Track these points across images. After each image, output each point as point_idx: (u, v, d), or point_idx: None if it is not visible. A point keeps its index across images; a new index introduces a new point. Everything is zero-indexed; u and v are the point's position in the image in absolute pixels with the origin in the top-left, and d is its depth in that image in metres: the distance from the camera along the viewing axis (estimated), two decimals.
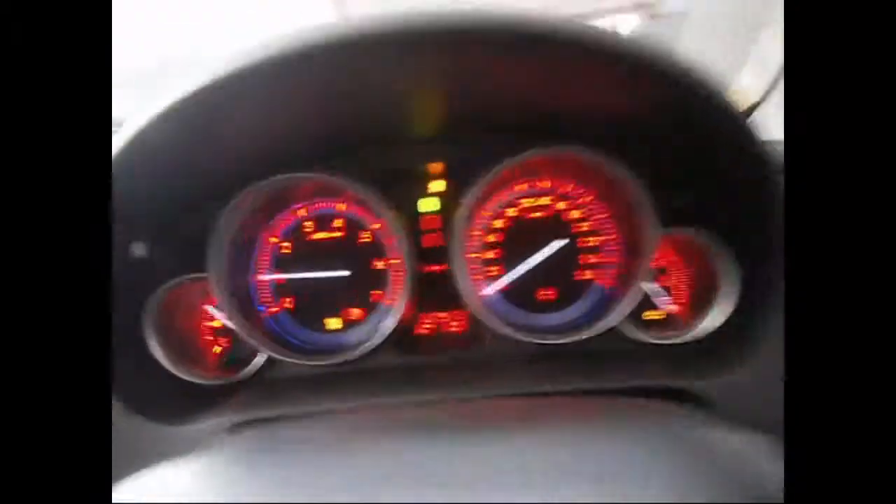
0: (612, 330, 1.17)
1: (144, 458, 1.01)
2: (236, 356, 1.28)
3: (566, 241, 1.26)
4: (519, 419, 0.61)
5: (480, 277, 1.30)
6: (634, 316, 1.20)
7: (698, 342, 1.19)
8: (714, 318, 1.17)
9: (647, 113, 0.99)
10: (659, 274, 1.27)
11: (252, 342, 1.18)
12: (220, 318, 1.31)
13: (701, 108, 0.85)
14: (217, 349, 1.32)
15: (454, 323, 1.32)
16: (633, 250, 1.21)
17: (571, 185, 1.29)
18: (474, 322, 1.25)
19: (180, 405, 1.11)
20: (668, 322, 1.28)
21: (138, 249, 1.09)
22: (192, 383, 1.20)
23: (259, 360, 1.24)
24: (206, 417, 1.05)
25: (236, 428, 1.01)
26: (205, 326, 1.32)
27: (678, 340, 1.20)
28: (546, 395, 1.02)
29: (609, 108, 1.04)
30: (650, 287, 1.25)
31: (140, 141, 0.86)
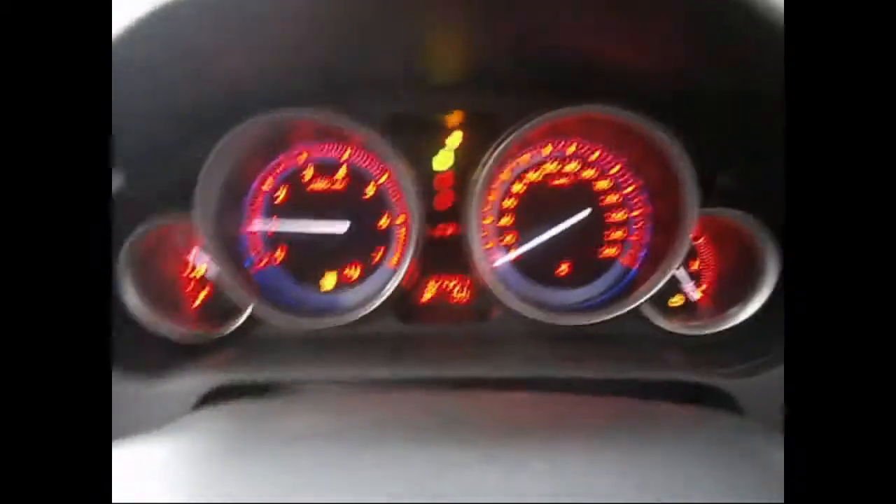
0: (631, 314, 1.07)
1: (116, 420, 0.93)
2: (219, 310, 1.16)
3: (591, 212, 1.14)
4: (537, 423, 0.51)
5: (493, 245, 1.19)
6: (658, 301, 1.10)
7: (725, 334, 1.09)
8: (746, 309, 1.08)
9: (702, 64, 0.87)
10: (688, 258, 1.16)
11: (237, 296, 1.07)
12: (203, 267, 1.19)
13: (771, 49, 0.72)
14: (198, 300, 1.21)
15: (461, 293, 1.22)
16: (664, 229, 1.10)
17: (599, 152, 1.17)
18: (482, 293, 1.14)
19: (154, 360, 1.00)
20: (693, 310, 1.18)
21: (114, 180, 0.96)
22: (167, 340, 1.09)
23: (243, 316, 1.12)
24: (181, 376, 0.94)
25: (217, 397, 0.90)
26: (186, 274, 1.20)
27: (704, 331, 1.10)
28: (559, 383, 0.92)
29: (659, 61, 0.91)
30: (678, 271, 1.13)
31: (126, 51, 0.73)
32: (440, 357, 1.01)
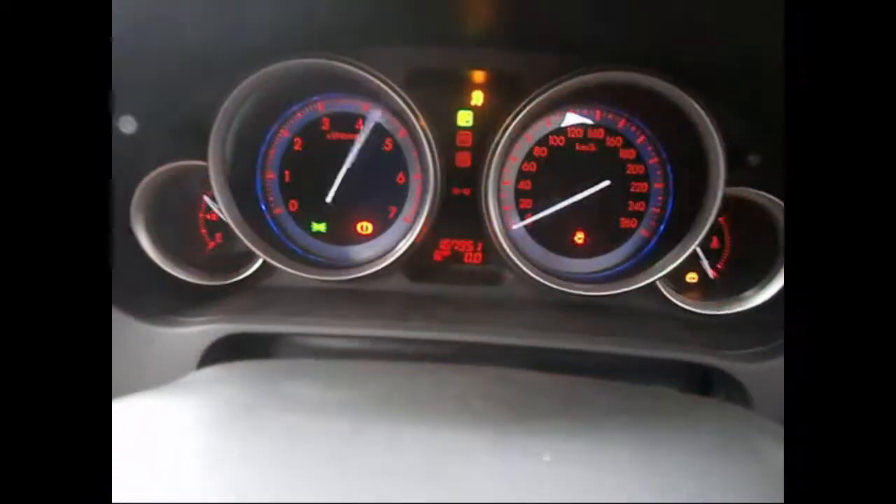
0: (645, 287, 1.05)
1: (124, 356, 0.94)
2: (232, 255, 1.16)
3: (613, 182, 1.11)
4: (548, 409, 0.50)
5: (510, 208, 1.17)
6: (673, 276, 1.07)
7: (739, 316, 1.07)
8: (762, 293, 1.06)
9: (738, 37, 0.83)
10: (709, 234, 1.13)
11: (248, 243, 1.07)
12: (217, 212, 1.18)
13: None
14: (212, 244, 1.21)
15: (474, 254, 1.20)
16: (687, 203, 1.07)
17: (624, 121, 1.13)
18: (496, 257, 1.13)
19: (166, 303, 1.01)
20: (708, 288, 1.16)
21: (126, 125, 0.94)
22: (180, 281, 1.09)
23: (255, 264, 1.12)
24: (192, 322, 0.95)
25: (225, 345, 0.91)
26: (202, 218, 1.20)
27: (718, 311, 1.09)
28: (566, 354, 0.92)
29: (693, 30, 0.87)
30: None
31: None
32: (449, 319, 1.01)
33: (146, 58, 0.87)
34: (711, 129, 0.95)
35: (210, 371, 0.56)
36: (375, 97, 1.11)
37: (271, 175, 1.17)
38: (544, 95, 0.98)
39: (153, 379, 0.92)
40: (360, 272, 1.07)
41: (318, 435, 0.39)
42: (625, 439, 0.42)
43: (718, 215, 1.00)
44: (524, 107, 0.99)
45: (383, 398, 0.44)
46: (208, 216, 1.19)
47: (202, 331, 0.93)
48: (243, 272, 1.13)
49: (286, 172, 1.17)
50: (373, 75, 0.99)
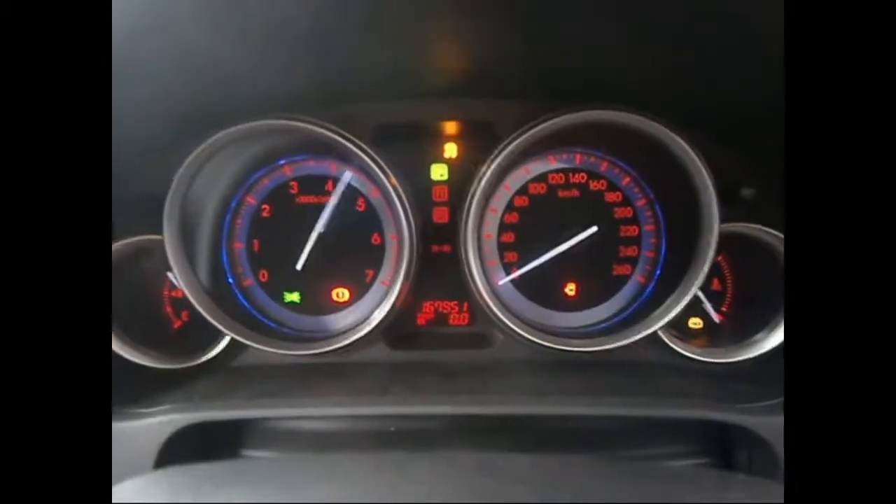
0: (646, 337, 0.97)
1: None
2: (200, 334, 1.07)
3: (601, 227, 1.05)
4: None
5: (494, 263, 1.09)
6: (676, 323, 0.99)
7: (751, 362, 0.99)
8: (772, 335, 0.97)
9: (717, 66, 0.79)
10: (709, 276, 1.05)
11: (212, 319, 0.98)
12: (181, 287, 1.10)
13: None
14: (178, 323, 1.12)
15: (459, 316, 1.12)
16: (681, 244, 1.00)
17: (606, 163, 1.07)
18: (483, 317, 1.05)
19: (125, 394, 0.91)
20: (714, 334, 1.07)
21: None
22: (142, 367, 1.00)
23: (223, 342, 1.03)
24: (151, 412, 0.86)
25: (190, 433, 0.82)
26: (166, 296, 1.12)
27: (727, 359, 1.00)
28: (569, 420, 0.83)
29: (668, 63, 0.83)
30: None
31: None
32: (433, 389, 0.92)
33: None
34: (700, 165, 0.89)
35: (142, 480, 0.47)
36: (344, 157, 1.06)
37: (238, 245, 1.10)
38: (519, 140, 0.93)
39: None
40: (337, 343, 0.99)
41: None
42: None
43: (716, 255, 0.93)
44: (498, 153, 0.94)
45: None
46: (173, 293, 1.11)
47: (160, 422, 0.84)
48: (210, 351, 1.04)
49: (255, 241, 1.10)
50: (338, 134, 0.93)
